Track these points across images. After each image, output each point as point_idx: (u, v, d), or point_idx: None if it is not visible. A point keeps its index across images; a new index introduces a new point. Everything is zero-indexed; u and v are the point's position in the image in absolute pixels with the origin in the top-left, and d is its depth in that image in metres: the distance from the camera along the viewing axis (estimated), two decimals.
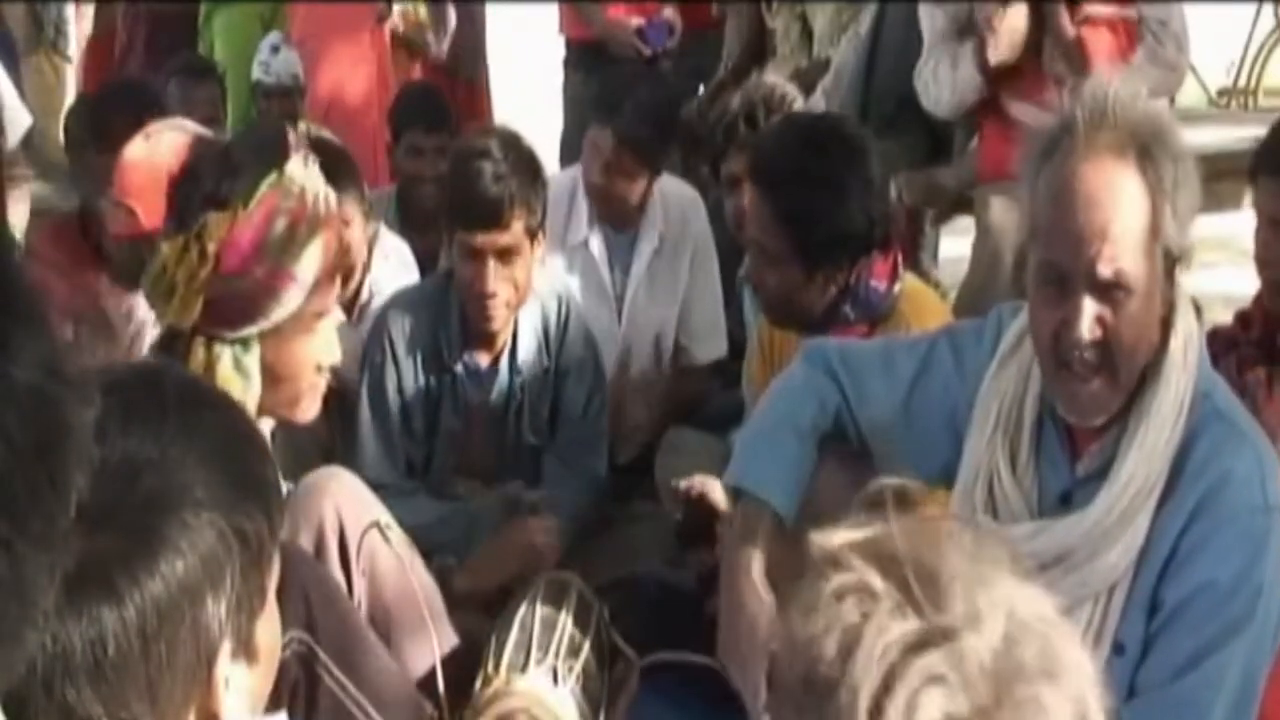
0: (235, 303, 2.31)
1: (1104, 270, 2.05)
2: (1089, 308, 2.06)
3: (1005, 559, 1.02)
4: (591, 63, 5.43)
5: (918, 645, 0.95)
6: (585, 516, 3.39)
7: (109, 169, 3.58)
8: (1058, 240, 2.08)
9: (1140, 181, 2.06)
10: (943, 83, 4.22)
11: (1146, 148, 2.06)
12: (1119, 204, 2.05)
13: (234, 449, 1.26)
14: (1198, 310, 2.25)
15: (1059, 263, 2.08)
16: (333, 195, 2.38)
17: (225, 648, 1.21)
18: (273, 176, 2.31)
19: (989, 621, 0.96)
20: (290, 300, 2.32)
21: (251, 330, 2.32)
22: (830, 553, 1.02)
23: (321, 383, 2.41)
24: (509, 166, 3.25)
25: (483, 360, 3.40)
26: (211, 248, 2.29)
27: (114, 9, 6.56)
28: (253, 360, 2.32)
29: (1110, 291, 2.06)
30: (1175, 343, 2.14)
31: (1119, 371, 2.11)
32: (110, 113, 3.92)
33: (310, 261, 2.32)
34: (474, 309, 3.29)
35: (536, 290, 3.38)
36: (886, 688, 0.93)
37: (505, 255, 3.23)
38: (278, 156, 2.34)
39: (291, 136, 2.37)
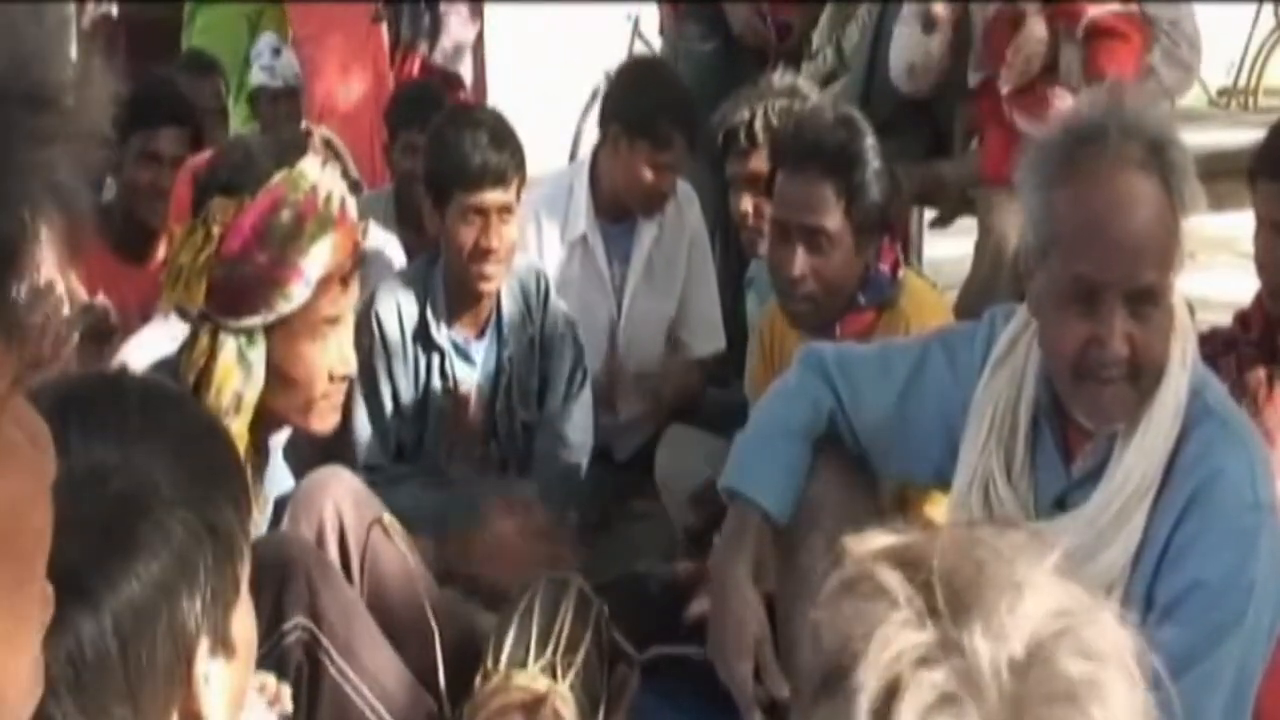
0: (238, 289, 2.31)
1: (1144, 279, 2.05)
2: (1120, 323, 2.05)
3: (1047, 560, 0.98)
4: (711, 19, 5.10)
5: (929, 659, 0.92)
6: (575, 501, 3.46)
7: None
8: (1091, 252, 2.05)
9: (1163, 193, 2.07)
10: (897, 50, 4.34)
11: (1168, 158, 2.07)
12: (1149, 216, 2.05)
13: (198, 444, 1.26)
14: (1190, 309, 2.25)
15: (1091, 275, 2.05)
16: (351, 201, 2.39)
17: (203, 644, 1.21)
18: (284, 171, 2.32)
19: (1013, 637, 0.93)
20: (295, 294, 2.32)
21: (255, 321, 2.32)
22: (860, 558, 0.99)
23: (337, 393, 2.42)
24: (501, 130, 3.39)
25: (469, 334, 3.46)
26: (216, 230, 2.30)
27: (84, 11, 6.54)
28: (257, 355, 2.32)
29: (1141, 304, 2.06)
30: (1175, 343, 2.14)
31: (1142, 379, 2.11)
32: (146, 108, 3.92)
33: (318, 258, 2.32)
34: (472, 272, 3.37)
35: (514, 266, 3.46)
36: (891, 695, 0.91)
37: (505, 212, 3.35)
38: (294, 154, 2.36)
39: (313, 140, 2.39)
